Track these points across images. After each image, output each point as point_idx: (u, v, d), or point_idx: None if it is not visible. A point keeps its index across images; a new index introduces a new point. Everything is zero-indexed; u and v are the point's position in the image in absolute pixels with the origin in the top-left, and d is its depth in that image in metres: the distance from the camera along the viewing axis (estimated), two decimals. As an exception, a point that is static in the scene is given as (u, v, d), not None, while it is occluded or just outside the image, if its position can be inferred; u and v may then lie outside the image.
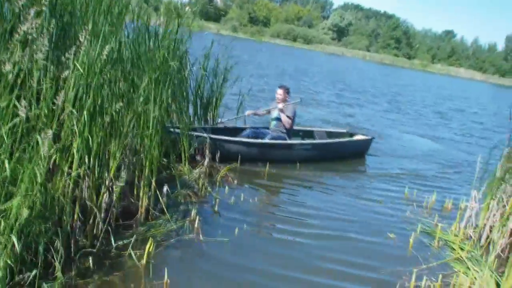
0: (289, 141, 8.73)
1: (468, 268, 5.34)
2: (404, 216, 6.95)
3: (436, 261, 5.51)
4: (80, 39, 3.86)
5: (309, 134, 9.94)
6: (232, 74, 9.02)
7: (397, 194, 8.02)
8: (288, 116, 8.59)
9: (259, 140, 8.43)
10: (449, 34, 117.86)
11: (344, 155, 9.61)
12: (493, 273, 5.03)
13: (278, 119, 8.75)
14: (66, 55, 3.85)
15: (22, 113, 3.40)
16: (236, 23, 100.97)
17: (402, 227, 6.47)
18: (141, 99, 4.90)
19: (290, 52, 63.07)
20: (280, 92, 8.80)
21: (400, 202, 7.62)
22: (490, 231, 6.04)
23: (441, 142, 14.17)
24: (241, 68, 22.55)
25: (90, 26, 4.01)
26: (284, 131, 8.74)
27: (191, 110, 8.45)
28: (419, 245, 5.94)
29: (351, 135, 10.30)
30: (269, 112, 9.08)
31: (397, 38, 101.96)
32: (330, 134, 10.15)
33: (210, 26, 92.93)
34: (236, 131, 8.83)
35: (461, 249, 5.82)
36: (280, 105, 8.58)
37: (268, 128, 9.01)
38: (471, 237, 6.20)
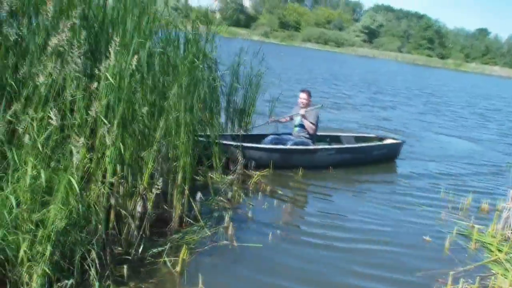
0: (312, 147, 8.60)
1: (506, 269, 5.25)
2: (440, 218, 6.85)
3: (473, 263, 5.43)
4: (110, 50, 3.92)
5: (337, 139, 9.78)
6: (264, 80, 9.03)
7: (432, 195, 7.92)
8: (311, 122, 8.53)
9: (281, 146, 8.33)
10: (483, 32, 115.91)
11: (372, 159, 9.42)
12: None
13: (301, 125, 8.68)
14: (97, 66, 3.90)
15: (55, 122, 3.47)
16: (267, 28, 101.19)
17: (437, 230, 6.37)
18: (171, 106, 4.92)
19: (322, 55, 62.91)
20: (303, 96, 8.77)
21: (436, 204, 7.49)
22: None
23: (479, 143, 13.90)
24: (273, 73, 22.67)
25: (119, 38, 4.06)
26: (308, 136, 8.66)
27: (223, 117, 8.52)
28: (455, 247, 5.84)
29: (381, 139, 10.12)
30: (292, 118, 8.99)
31: (430, 38, 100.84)
32: (358, 139, 9.96)
33: (241, 32, 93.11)
34: (261, 137, 8.79)
35: (499, 250, 5.72)
36: (302, 111, 8.52)
37: (291, 134, 8.91)
38: (509, 238, 6.08)
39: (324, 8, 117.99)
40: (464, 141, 13.99)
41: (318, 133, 9.22)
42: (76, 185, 3.49)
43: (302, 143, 8.52)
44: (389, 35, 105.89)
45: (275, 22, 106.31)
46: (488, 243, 5.97)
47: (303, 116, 8.51)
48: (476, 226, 6.47)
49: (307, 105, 8.72)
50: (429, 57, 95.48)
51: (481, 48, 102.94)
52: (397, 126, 14.59)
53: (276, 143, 8.44)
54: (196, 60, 5.30)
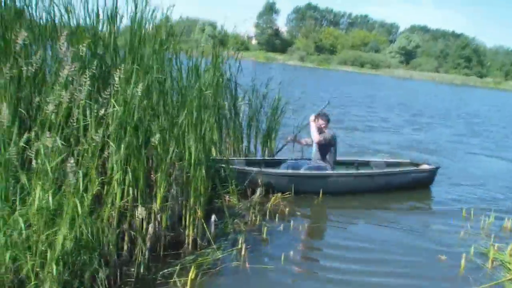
0: (324, 172, 8.33)
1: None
2: (459, 237, 6.80)
3: (488, 282, 5.38)
4: (115, 78, 4.12)
5: (365, 165, 9.48)
6: (298, 104, 9.07)
7: (453, 214, 7.92)
8: (323, 139, 8.30)
9: (286, 171, 8.21)
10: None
11: (398, 186, 8.93)
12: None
13: (319, 149, 8.51)
14: (104, 94, 4.10)
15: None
16: (302, 52, 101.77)
17: (456, 249, 6.32)
18: (181, 131, 5.08)
19: (358, 78, 62.81)
20: (320, 122, 8.48)
21: (456, 222, 7.47)
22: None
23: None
24: (308, 97, 22.76)
25: (124, 66, 4.26)
26: (325, 162, 8.48)
27: (245, 142, 8.66)
28: (471, 266, 5.80)
29: (416, 164, 9.61)
30: (308, 144, 8.85)
31: (467, 56, 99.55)
32: (390, 165, 9.57)
33: (277, 58, 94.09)
34: (281, 163, 8.73)
35: (518, 270, 5.66)
36: (315, 138, 8.30)
37: (310, 159, 8.70)
38: (530, 257, 6.01)
39: (359, 31, 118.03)
40: (502, 162, 13.73)
41: (345, 158, 9.29)
42: (79, 209, 3.64)
43: (318, 168, 8.36)
44: (425, 56, 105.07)
45: (310, 46, 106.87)
46: (507, 262, 5.90)
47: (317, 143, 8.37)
48: (496, 244, 6.41)
49: (324, 129, 8.50)
50: (467, 76, 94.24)
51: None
52: (434, 148, 14.33)
53: (292, 168, 8.33)
54: (202, 88, 5.40)
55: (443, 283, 5.39)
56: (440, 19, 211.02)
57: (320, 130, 8.44)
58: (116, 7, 5.04)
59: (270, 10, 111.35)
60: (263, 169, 7.89)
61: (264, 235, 6.09)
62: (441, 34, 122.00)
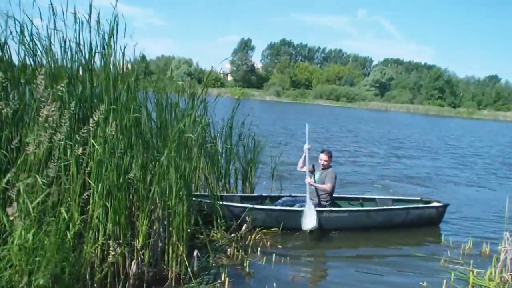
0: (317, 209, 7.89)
1: (502, 312, 5.26)
2: (440, 264, 6.90)
3: (470, 308, 5.45)
4: (94, 118, 4.17)
5: (371, 201, 9.32)
6: (277, 140, 9.05)
7: (433, 242, 8.05)
8: (329, 185, 8.21)
9: (273, 207, 8.16)
10: (493, 79, 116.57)
11: (400, 224, 8.64)
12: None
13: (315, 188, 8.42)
14: (80, 133, 4.14)
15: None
16: (278, 88, 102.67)
17: (437, 276, 6.40)
18: (162, 169, 5.12)
19: (335, 112, 63.32)
20: (323, 158, 8.43)
21: (437, 250, 7.58)
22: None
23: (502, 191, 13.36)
24: (287, 133, 22.83)
25: (103, 106, 4.32)
26: (324, 198, 8.36)
27: (230, 179, 8.75)
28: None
29: (427, 202, 9.22)
30: (310, 171, 8.56)
31: (440, 87, 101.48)
32: (398, 202, 9.28)
33: (254, 93, 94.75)
34: (277, 199, 8.69)
35: (497, 294, 5.74)
36: (308, 180, 8.17)
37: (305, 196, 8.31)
38: (507, 281, 6.08)
39: (333, 65, 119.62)
40: (490, 191, 13.75)
41: (349, 195, 9.38)
42: (65, 246, 3.64)
43: (315, 206, 8.05)
44: (399, 88, 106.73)
45: (286, 81, 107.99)
46: (485, 286, 5.98)
47: (310, 184, 8.20)
48: (476, 270, 6.50)
49: (327, 166, 8.46)
50: (441, 107, 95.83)
51: (492, 95, 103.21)
52: (433, 183, 14.37)
53: (288, 205, 8.27)
54: (182, 128, 5.47)
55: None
56: (411, 51, 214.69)
57: (325, 166, 8.44)
58: (91, 48, 5.13)
59: (245, 47, 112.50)
60: (256, 206, 7.87)
61: (247, 269, 6.09)
62: (413, 66, 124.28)
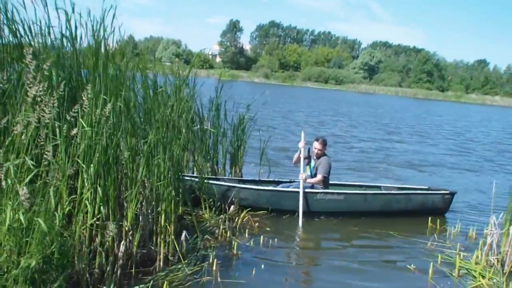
0: (307, 190, 7.94)
1: (487, 294, 5.33)
2: (426, 248, 6.98)
3: (456, 290, 5.52)
4: (83, 98, 4.14)
5: (376, 188, 9.10)
6: (267, 124, 8.89)
7: (420, 226, 8.06)
8: (322, 175, 8.15)
9: (271, 187, 8.19)
10: (482, 63, 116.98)
11: (401, 210, 8.43)
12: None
13: (311, 174, 8.38)
14: (70, 113, 4.11)
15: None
16: (267, 70, 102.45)
17: (423, 259, 6.46)
18: (150, 150, 5.11)
19: (324, 94, 63.26)
20: (317, 146, 8.33)
21: (423, 234, 7.65)
22: (513, 256, 6.01)
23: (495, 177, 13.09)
24: (275, 115, 22.72)
25: (91, 86, 4.29)
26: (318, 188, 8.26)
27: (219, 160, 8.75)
28: (439, 276, 5.93)
29: (435, 191, 8.89)
30: (305, 158, 8.51)
31: (429, 71, 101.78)
32: (404, 190, 9.00)
33: (242, 75, 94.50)
34: (278, 183, 8.69)
35: (482, 276, 5.80)
36: (302, 177, 7.92)
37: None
38: (493, 264, 6.15)
39: (322, 47, 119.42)
40: (485, 177, 13.55)
41: (354, 183, 9.35)
42: (45, 228, 3.62)
43: (311, 189, 8.13)
44: (388, 71, 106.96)
45: (275, 63, 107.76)
46: (472, 270, 6.04)
47: (304, 181, 7.97)
48: (462, 253, 6.57)
49: (321, 154, 8.37)
50: (429, 90, 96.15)
51: (480, 79, 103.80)
52: (422, 166, 14.46)
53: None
54: (168, 107, 5.46)
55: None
56: (400, 34, 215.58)
57: (318, 155, 8.35)
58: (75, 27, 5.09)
59: (233, 28, 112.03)
60: (245, 186, 7.95)
61: (234, 250, 6.12)
62: (402, 49, 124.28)
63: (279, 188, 8.30)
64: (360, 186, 9.15)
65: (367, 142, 18.85)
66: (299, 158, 8.39)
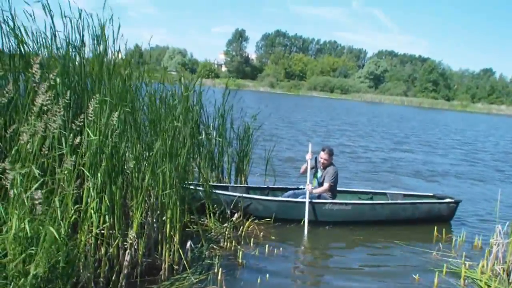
0: (316, 200, 8.05)
1: (493, 304, 5.31)
2: (431, 257, 6.96)
3: (461, 300, 5.50)
4: (90, 108, 4.17)
5: (381, 195, 9.26)
6: (274, 134, 8.93)
7: (425, 235, 8.03)
8: (328, 183, 8.20)
9: (277, 198, 8.24)
10: (488, 72, 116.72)
11: (407, 219, 8.49)
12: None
13: (318, 183, 8.46)
14: (76, 122, 4.14)
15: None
16: (272, 79, 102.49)
17: (428, 268, 6.45)
18: (156, 159, 5.12)
19: (330, 104, 63.06)
20: (324, 157, 8.41)
21: (429, 243, 7.62)
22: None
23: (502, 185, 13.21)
24: (282, 125, 22.66)
25: (97, 96, 4.32)
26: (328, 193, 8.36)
27: (218, 169, 8.71)
28: (444, 285, 5.93)
29: (440, 199, 9.02)
30: (312, 168, 8.53)
31: (434, 80, 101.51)
32: (408, 197, 9.16)
33: (248, 84, 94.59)
34: (284, 191, 8.76)
35: (488, 286, 5.78)
36: (309, 189, 7.94)
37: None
38: (499, 273, 6.13)
39: (328, 56, 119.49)
40: (494, 187, 13.12)
41: (360, 190, 9.48)
42: (56, 236, 3.64)
43: (319, 198, 8.22)
44: (394, 80, 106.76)
45: (280, 73, 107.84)
46: (478, 279, 6.02)
47: (310, 192, 8.03)
48: (468, 262, 6.54)
49: (327, 164, 8.42)
50: (434, 100, 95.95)
51: (486, 88, 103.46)
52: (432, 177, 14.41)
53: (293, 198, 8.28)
54: (175, 117, 5.49)
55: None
56: (406, 43, 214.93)
57: (325, 165, 8.41)
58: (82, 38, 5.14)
59: (239, 37, 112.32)
60: (254, 196, 8.01)
61: (240, 259, 6.11)
62: (408, 58, 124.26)
63: (286, 197, 8.33)
64: (367, 193, 9.26)
65: (375, 152, 18.71)
66: (306, 168, 8.39)
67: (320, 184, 8.37)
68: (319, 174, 8.52)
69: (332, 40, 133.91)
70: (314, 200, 7.99)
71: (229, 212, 7.45)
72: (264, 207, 7.89)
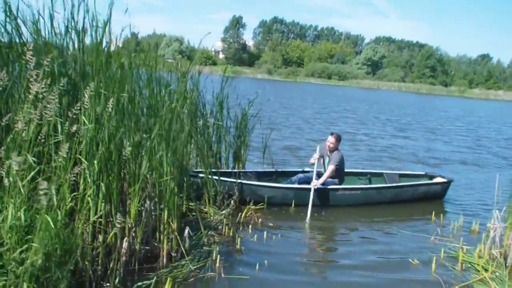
0: (330, 187, 8.42)
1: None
2: (429, 241, 6.99)
3: (458, 284, 5.52)
4: (85, 95, 4.14)
5: (379, 176, 9.78)
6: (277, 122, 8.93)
7: (423, 220, 8.13)
8: (333, 166, 8.44)
9: (276, 184, 8.41)
10: (485, 58, 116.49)
11: (407, 199, 9.06)
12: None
13: (325, 170, 8.63)
14: (73, 110, 4.11)
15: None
16: (270, 66, 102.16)
17: (426, 253, 6.48)
18: (153, 145, 5.10)
19: (328, 90, 62.88)
20: (331, 140, 8.67)
21: (427, 228, 7.67)
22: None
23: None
24: (282, 112, 22.51)
25: (94, 83, 4.29)
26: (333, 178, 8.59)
27: (223, 154, 8.72)
28: (442, 269, 5.96)
29: (431, 177, 9.78)
30: (320, 157, 8.81)
31: (432, 66, 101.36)
32: (404, 176, 9.84)
33: (245, 71, 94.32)
34: (293, 174, 8.98)
35: (485, 270, 5.80)
36: (314, 183, 8.15)
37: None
38: (496, 257, 6.15)
39: (326, 43, 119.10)
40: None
41: (358, 170, 9.90)
42: (52, 225, 3.62)
43: (326, 184, 8.41)
44: (391, 66, 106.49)
45: (278, 59, 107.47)
46: (475, 263, 6.05)
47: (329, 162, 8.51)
48: (465, 247, 6.56)
49: (333, 148, 8.67)
50: (432, 85, 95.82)
51: (483, 73, 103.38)
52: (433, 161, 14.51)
53: (301, 182, 8.51)
54: (173, 104, 5.48)
55: (415, 286, 5.52)
56: (404, 29, 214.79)
57: (332, 149, 8.66)
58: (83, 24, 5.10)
59: (236, 24, 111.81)
60: (248, 182, 8.10)
61: (238, 245, 6.12)
62: (405, 44, 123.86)
63: (298, 180, 8.65)
64: (365, 174, 9.78)
65: (377, 139, 18.65)
66: (313, 163, 8.68)
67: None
68: (326, 160, 8.74)
69: (330, 27, 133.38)
70: (328, 187, 8.40)
71: (237, 200, 7.46)
72: (283, 194, 8.19)
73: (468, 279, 5.68)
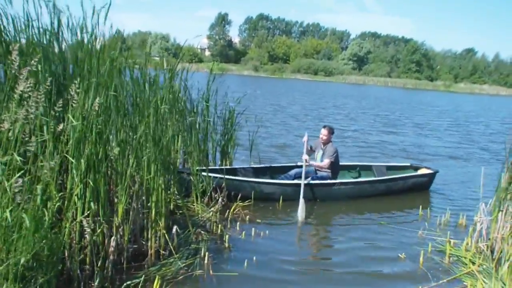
0: (327, 182, 8.62)
1: (477, 280, 5.37)
2: (417, 236, 7.03)
3: (446, 277, 5.56)
4: (71, 93, 4.11)
5: (368, 169, 9.99)
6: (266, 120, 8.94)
7: (410, 214, 8.22)
8: (328, 159, 8.61)
9: (269, 180, 8.49)
10: (470, 52, 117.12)
11: (397, 191, 9.26)
12: (504, 284, 5.07)
13: (321, 161, 8.76)
14: (56, 108, 4.08)
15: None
16: (256, 62, 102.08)
17: (414, 247, 6.51)
18: (140, 143, 5.08)
19: (315, 87, 62.81)
20: (323, 133, 8.82)
21: (414, 222, 7.72)
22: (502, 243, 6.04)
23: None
24: (269, 109, 22.38)
25: (79, 80, 4.26)
26: (328, 170, 8.73)
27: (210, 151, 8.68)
28: (430, 263, 6.01)
29: (416, 168, 10.11)
30: (311, 149, 9.03)
31: (417, 61, 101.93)
32: (391, 168, 10.11)
33: (232, 68, 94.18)
34: (289, 169, 9.08)
35: (472, 263, 5.85)
36: (305, 157, 8.38)
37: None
38: (483, 250, 6.19)
39: (311, 39, 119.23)
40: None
41: (348, 163, 9.97)
42: (30, 224, 3.60)
43: (322, 178, 8.65)
44: (377, 61, 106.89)
45: (264, 56, 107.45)
46: (462, 257, 6.09)
47: (307, 164, 8.48)
48: (453, 240, 6.61)
49: (326, 141, 8.81)
50: (418, 80, 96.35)
51: (468, 68, 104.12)
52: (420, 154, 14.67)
53: (299, 177, 8.46)
54: (159, 102, 5.45)
55: (403, 280, 5.56)
56: (389, 24, 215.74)
57: (325, 141, 8.80)
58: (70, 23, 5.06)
59: (222, 21, 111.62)
60: (237, 177, 8.13)
61: (226, 243, 6.13)
62: (391, 39, 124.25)
63: (294, 175, 8.77)
64: (354, 167, 9.95)
65: (366, 135, 18.66)
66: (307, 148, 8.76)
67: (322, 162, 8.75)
68: (319, 154, 8.87)
69: (316, 22, 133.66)
70: (326, 182, 8.63)
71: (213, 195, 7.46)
72: (281, 190, 8.22)
73: (455, 272, 5.71)
